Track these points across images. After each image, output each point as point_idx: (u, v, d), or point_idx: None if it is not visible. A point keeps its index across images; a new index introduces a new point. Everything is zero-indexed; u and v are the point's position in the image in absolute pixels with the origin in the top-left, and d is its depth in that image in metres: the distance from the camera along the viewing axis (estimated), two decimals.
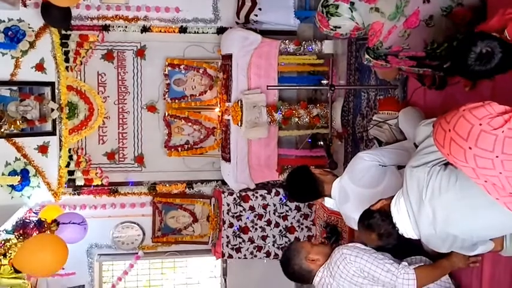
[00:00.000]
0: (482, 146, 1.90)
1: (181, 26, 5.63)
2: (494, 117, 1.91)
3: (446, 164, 2.21)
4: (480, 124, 1.91)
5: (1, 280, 4.76)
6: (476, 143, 1.90)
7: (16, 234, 4.80)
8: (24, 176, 5.37)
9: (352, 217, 2.98)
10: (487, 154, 1.90)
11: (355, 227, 2.66)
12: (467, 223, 2.20)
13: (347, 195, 3.00)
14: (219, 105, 5.66)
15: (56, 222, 5.00)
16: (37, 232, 4.82)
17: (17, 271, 4.42)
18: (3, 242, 4.65)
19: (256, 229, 5.61)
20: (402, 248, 3.25)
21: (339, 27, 2.96)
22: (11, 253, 4.58)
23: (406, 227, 2.32)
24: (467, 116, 1.94)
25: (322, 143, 5.35)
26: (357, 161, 3.01)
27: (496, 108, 1.95)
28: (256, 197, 5.59)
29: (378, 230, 2.44)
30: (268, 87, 5.06)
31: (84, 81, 5.54)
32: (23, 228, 4.81)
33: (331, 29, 2.98)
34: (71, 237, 5.12)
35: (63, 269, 4.75)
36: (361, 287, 2.85)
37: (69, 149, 5.52)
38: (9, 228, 4.85)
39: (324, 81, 5.48)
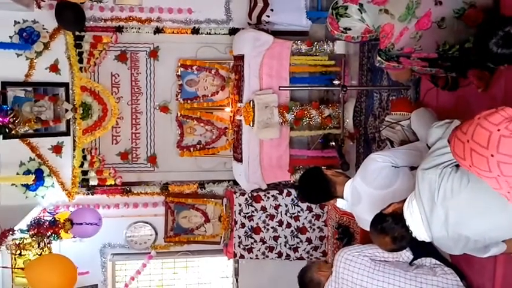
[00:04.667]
0: (504, 151, 1.85)
1: (194, 27, 5.65)
2: (511, 120, 1.89)
3: (458, 166, 2.20)
4: (498, 130, 1.86)
5: (16, 279, 4.82)
6: (497, 149, 1.85)
7: (30, 233, 4.85)
8: (39, 175, 5.41)
9: (364, 218, 2.98)
10: (511, 160, 1.85)
11: (368, 229, 2.65)
12: (479, 224, 2.20)
13: (360, 196, 3.00)
14: (231, 106, 5.68)
15: (70, 221, 5.05)
16: (51, 231, 4.86)
17: None
18: (18, 242, 4.70)
19: (267, 229, 5.62)
20: (415, 250, 3.26)
21: (349, 29, 2.97)
22: (26, 252, 4.64)
23: (419, 230, 2.31)
24: (484, 124, 1.90)
25: (334, 143, 5.35)
26: (369, 162, 3.00)
27: (509, 112, 1.91)
28: (268, 198, 5.60)
29: (392, 233, 2.43)
30: (280, 88, 5.09)
31: (98, 82, 5.59)
32: (37, 228, 4.86)
33: (342, 31, 3.00)
34: (84, 233, 5.18)
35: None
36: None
37: (83, 149, 5.57)
38: (24, 228, 4.90)
39: (336, 82, 5.49)
